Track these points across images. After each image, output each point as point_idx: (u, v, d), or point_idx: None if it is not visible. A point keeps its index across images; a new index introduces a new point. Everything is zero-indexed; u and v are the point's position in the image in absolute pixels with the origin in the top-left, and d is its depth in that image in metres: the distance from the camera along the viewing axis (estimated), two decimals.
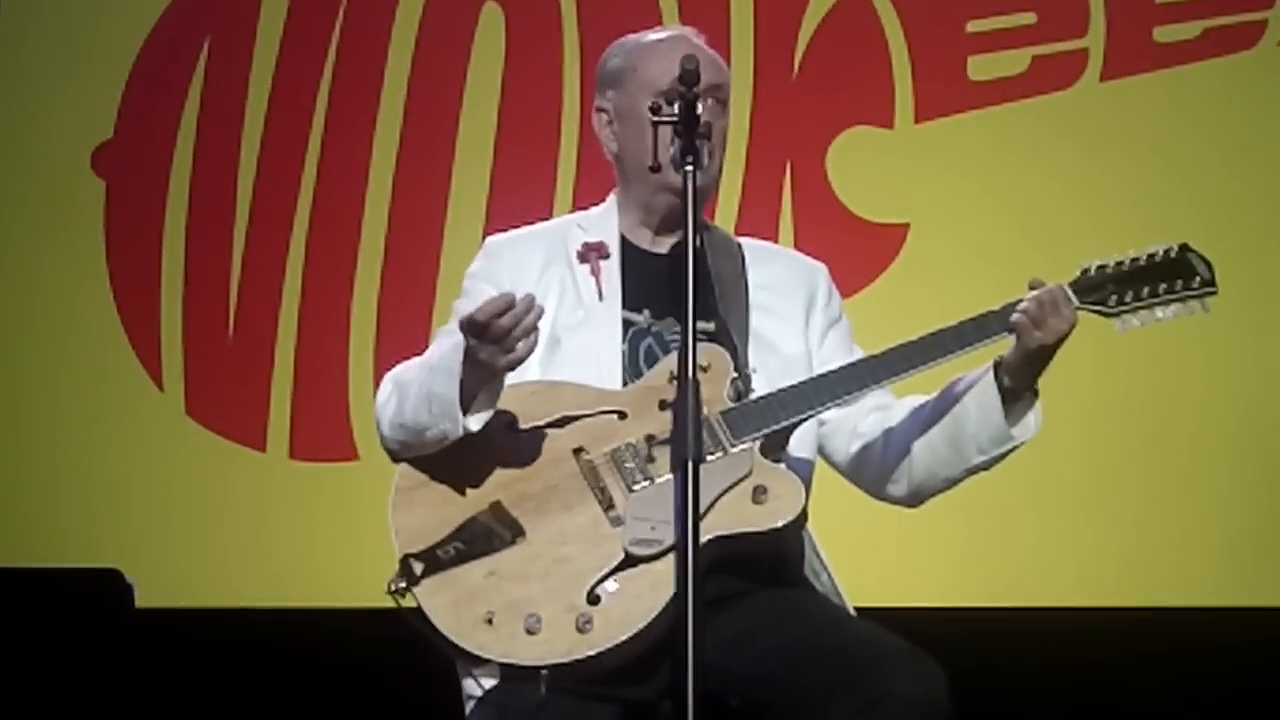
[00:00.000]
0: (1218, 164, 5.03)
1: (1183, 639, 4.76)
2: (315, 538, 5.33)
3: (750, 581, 3.07)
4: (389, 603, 3.00)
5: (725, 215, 4.94)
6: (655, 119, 2.99)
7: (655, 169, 3.08)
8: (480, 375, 3.00)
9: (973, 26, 5.23)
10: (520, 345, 2.95)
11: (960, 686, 2.90)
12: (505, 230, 3.46)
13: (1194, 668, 4.75)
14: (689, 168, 2.87)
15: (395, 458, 3.16)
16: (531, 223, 3.49)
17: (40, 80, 5.77)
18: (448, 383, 2.99)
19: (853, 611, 3.21)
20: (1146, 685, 4.78)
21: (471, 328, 2.93)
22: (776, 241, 4.82)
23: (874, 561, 4.39)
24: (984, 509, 4.64)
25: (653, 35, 3.42)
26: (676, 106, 2.90)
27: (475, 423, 3.01)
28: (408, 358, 3.26)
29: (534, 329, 2.94)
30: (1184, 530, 4.93)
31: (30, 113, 5.77)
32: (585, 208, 3.50)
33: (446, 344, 3.08)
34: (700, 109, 2.90)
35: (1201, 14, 5.09)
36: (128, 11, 5.75)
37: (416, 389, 3.06)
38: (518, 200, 5.31)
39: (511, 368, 2.99)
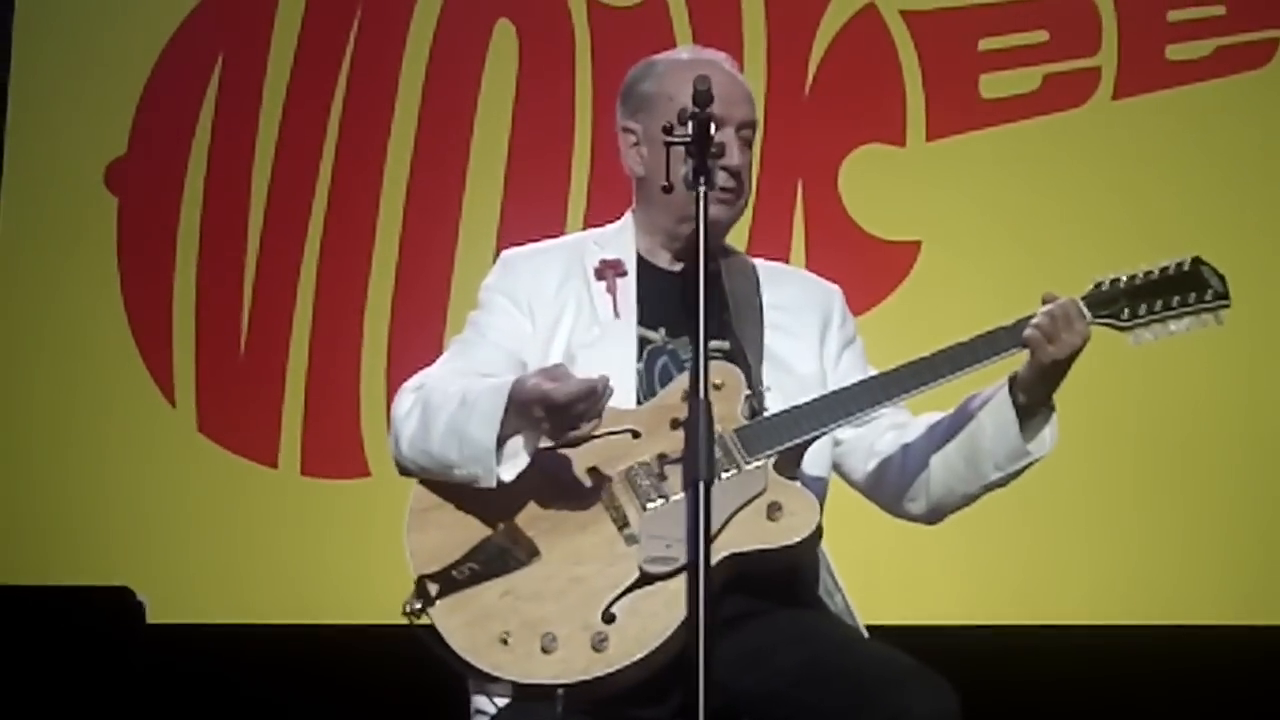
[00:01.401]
0: (1230, 182, 5.03)
1: (1190, 657, 4.76)
2: (327, 554, 5.32)
3: (765, 601, 3.07)
4: (400, 620, 3.00)
5: (737, 233, 4.87)
6: (668, 139, 2.95)
7: (668, 189, 3.06)
8: (522, 428, 3.00)
9: (985, 44, 5.23)
10: (586, 428, 2.97)
11: (972, 706, 2.90)
12: (516, 243, 3.45)
13: (1201, 686, 4.74)
14: (702, 188, 2.88)
15: (405, 474, 3.16)
16: (543, 239, 3.48)
17: (54, 96, 5.79)
18: (485, 429, 2.99)
19: (865, 631, 3.21)
20: (1155, 703, 4.77)
21: (547, 404, 2.93)
22: (788, 258, 4.85)
23: (885, 580, 4.39)
24: (994, 528, 4.63)
25: (685, 56, 3.40)
26: (689, 126, 2.89)
27: (508, 472, 3.01)
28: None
29: (600, 413, 2.96)
30: (1192, 549, 4.92)
31: (44, 128, 5.78)
32: (598, 222, 3.50)
33: (484, 384, 3.07)
34: (714, 129, 2.90)
35: (1213, 32, 5.09)
36: (141, 28, 5.77)
37: (446, 421, 3.05)
38: (530, 216, 5.31)
39: (565, 442, 3.01)
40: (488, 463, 2.99)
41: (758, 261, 3.47)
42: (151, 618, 5.24)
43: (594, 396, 2.93)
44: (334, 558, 5.28)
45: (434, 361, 3.31)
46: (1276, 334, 4.92)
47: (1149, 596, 4.91)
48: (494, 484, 3.00)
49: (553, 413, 2.94)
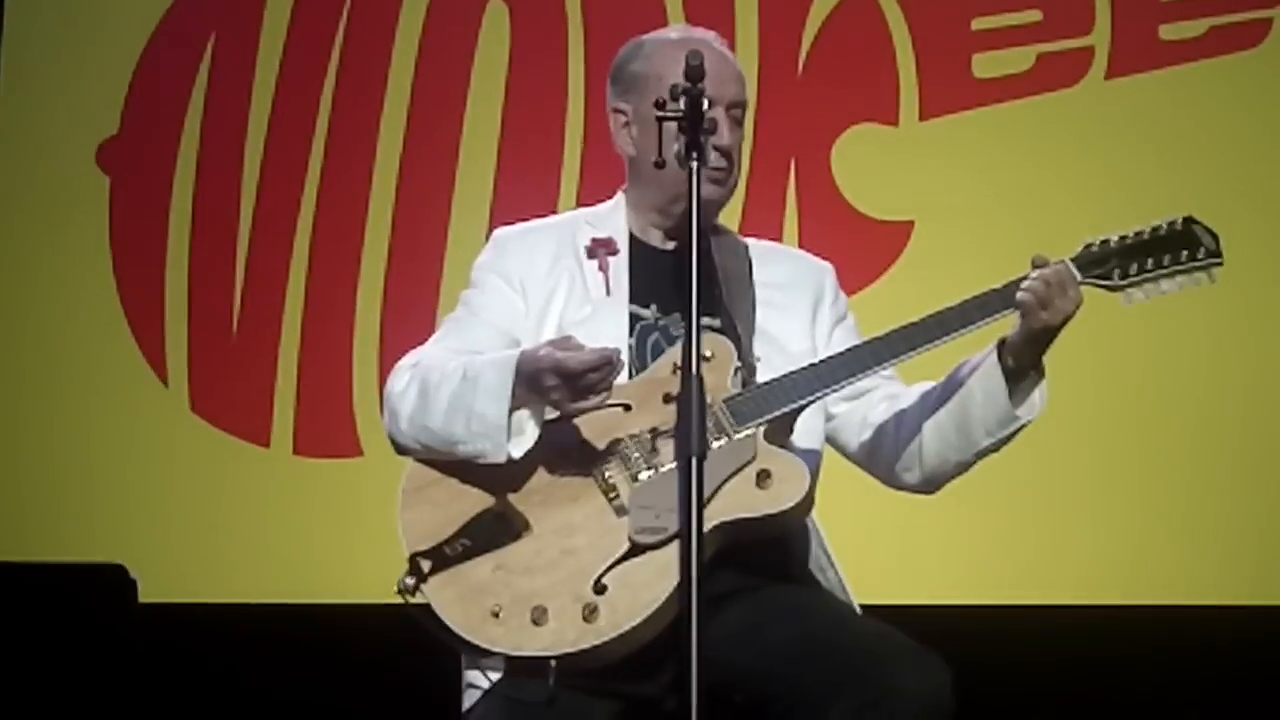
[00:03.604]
0: (1223, 162, 5.02)
1: (1186, 637, 4.76)
2: (319, 534, 5.33)
3: (756, 576, 3.07)
4: (392, 599, 3.00)
5: (730, 212, 4.87)
6: (660, 114, 2.93)
7: (660, 164, 3.06)
8: (529, 401, 3.00)
9: (978, 24, 5.23)
10: (595, 400, 2.96)
11: (965, 684, 2.90)
12: (509, 224, 3.45)
13: (1198, 666, 4.75)
14: (694, 163, 2.88)
15: (403, 453, 3.16)
16: (537, 218, 3.48)
17: (46, 75, 5.78)
18: (495, 405, 2.99)
19: (858, 608, 3.21)
20: (1150, 683, 4.77)
21: (561, 372, 2.93)
22: (781, 238, 4.85)
23: (879, 558, 4.39)
24: (989, 506, 4.64)
25: (674, 35, 3.40)
26: (682, 102, 2.88)
27: (518, 448, 3.02)
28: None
29: (610, 385, 2.96)
30: (1187, 528, 4.92)
31: (36, 108, 5.78)
32: (591, 202, 3.50)
33: (486, 359, 3.08)
34: (706, 105, 2.89)
35: (1207, 12, 5.09)
36: (133, 7, 5.77)
37: (449, 397, 3.05)
38: (522, 197, 5.31)
39: (571, 413, 3.00)
40: (498, 438, 2.99)
41: (750, 241, 3.48)
42: (143, 596, 5.23)
43: (608, 366, 2.93)
44: (326, 537, 5.29)
45: (427, 341, 3.31)
46: (1273, 311, 4.92)
47: (1148, 576, 4.91)
48: (503, 460, 3.00)
49: (566, 380, 2.94)
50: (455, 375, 3.07)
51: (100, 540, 5.42)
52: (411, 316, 5.31)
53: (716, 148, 3.14)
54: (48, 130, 5.76)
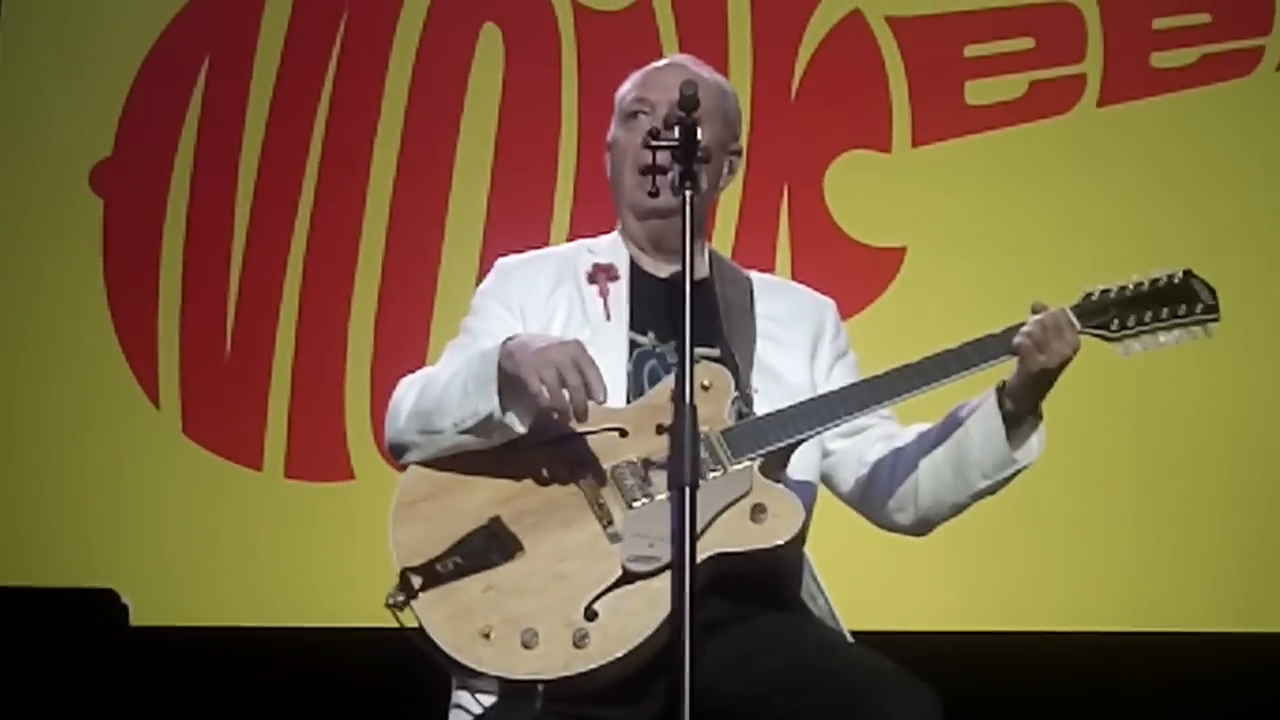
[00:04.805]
0: (1216, 189, 5.04)
1: (1176, 664, 4.76)
2: (310, 557, 5.32)
3: (747, 604, 3.07)
4: (384, 622, 2.99)
5: (722, 238, 4.94)
6: (654, 143, 3.00)
7: (654, 192, 3.09)
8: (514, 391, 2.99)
9: (970, 51, 5.25)
10: (566, 405, 2.91)
11: (955, 711, 2.90)
12: (502, 249, 3.48)
13: (1187, 693, 4.75)
14: (688, 191, 2.90)
15: (402, 457, 3.15)
16: (529, 244, 3.50)
17: (40, 97, 5.78)
18: (486, 365, 2.98)
19: (849, 635, 3.21)
20: (1140, 710, 4.77)
21: (569, 355, 2.93)
22: (773, 264, 4.87)
23: (870, 586, 4.39)
24: (980, 534, 4.61)
25: (650, 65, 3.45)
26: (676, 131, 2.92)
27: (511, 415, 2.98)
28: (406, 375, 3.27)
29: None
30: (1178, 555, 4.93)
31: (29, 129, 5.77)
32: (584, 227, 3.51)
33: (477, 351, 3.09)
34: (699, 134, 2.93)
35: (1199, 40, 5.10)
36: (128, 30, 5.76)
37: (449, 375, 3.06)
38: (515, 221, 5.31)
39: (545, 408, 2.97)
40: (489, 392, 2.96)
41: (753, 274, 3.49)
42: (136, 620, 5.23)
43: (594, 390, 2.91)
44: (317, 560, 5.28)
45: (419, 367, 3.31)
46: (1265, 339, 4.94)
47: (1138, 603, 4.92)
48: (494, 415, 2.96)
49: (564, 361, 2.91)
50: (458, 362, 3.10)
51: (92, 564, 5.40)
52: (404, 340, 5.32)
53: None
54: (42, 152, 5.75)
